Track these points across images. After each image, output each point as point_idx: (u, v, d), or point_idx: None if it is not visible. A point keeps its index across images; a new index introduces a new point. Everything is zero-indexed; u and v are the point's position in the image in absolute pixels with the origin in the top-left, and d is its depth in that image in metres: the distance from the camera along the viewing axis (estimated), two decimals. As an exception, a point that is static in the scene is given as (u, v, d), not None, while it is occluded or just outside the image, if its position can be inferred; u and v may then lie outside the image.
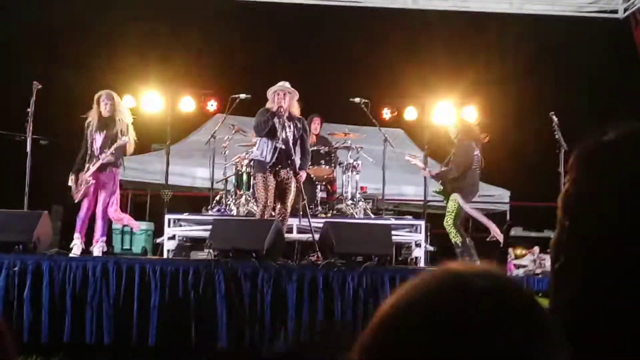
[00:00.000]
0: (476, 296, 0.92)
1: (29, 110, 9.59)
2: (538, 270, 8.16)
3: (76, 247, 8.98)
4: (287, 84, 9.10)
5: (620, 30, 12.99)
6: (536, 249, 9.24)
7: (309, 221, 9.12)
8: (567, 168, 1.31)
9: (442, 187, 9.78)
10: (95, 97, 9.17)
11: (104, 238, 9.22)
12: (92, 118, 9.14)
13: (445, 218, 9.56)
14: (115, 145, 8.99)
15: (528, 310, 0.94)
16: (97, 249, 9.01)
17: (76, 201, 9.14)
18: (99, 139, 9.08)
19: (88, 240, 9.21)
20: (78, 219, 9.11)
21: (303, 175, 9.19)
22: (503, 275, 0.97)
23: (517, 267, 9.16)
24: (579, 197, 1.26)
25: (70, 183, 9.09)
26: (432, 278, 0.96)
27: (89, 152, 9.09)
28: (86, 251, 9.11)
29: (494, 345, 0.89)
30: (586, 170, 1.27)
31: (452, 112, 12.02)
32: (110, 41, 13.39)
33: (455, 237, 9.36)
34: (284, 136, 8.90)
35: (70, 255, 8.60)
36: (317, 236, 8.79)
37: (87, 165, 9.05)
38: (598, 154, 1.27)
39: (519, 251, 9.21)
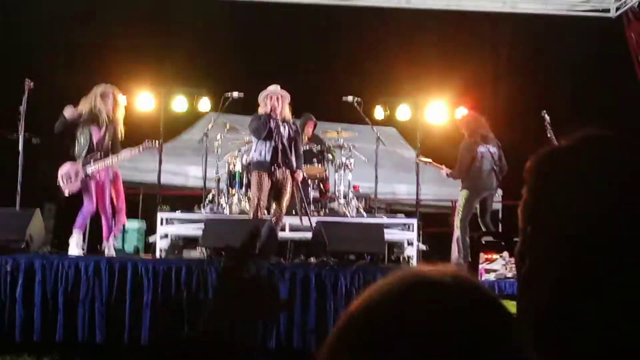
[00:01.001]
0: (437, 293, 0.95)
1: (21, 108, 9.56)
2: (509, 274, 8.19)
3: (76, 244, 8.86)
4: (278, 88, 9.24)
5: (612, 29, 13.01)
6: (506, 253, 9.31)
7: (310, 220, 9.18)
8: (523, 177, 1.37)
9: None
10: (100, 91, 9.00)
11: (113, 235, 9.16)
12: (86, 109, 8.97)
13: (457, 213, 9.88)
14: (135, 151, 9.09)
15: (490, 304, 0.97)
16: (110, 247, 8.94)
17: (67, 194, 9.00)
18: (97, 134, 8.99)
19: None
20: (80, 216, 9.00)
21: (300, 174, 9.40)
22: (463, 274, 0.99)
23: (488, 271, 9.22)
24: (537, 204, 1.31)
25: (61, 173, 8.89)
26: (396, 279, 0.99)
27: (85, 145, 8.95)
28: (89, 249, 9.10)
29: (458, 338, 0.91)
30: (539, 177, 1.32)
31: (444, 110, 12.07)
32: (103, 40, 13.35)
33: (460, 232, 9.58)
34: (280, 136, 9.04)
35: (69, 253, 8.57)
36: (309, 235, 8.83)
37: (83, 158, 8.92)
38: (550, 160, 1.32)
39: (489, 255, 9.31)
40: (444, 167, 10.05)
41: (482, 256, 8.05)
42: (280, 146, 9.05)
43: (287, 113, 9.35)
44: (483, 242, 8.61)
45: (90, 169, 8.89)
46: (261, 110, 9.23)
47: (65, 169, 8.91)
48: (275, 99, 9.15)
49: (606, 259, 1.21)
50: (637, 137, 1.29)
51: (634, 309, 1.19)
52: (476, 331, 0.92)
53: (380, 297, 0.97)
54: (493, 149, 9.81)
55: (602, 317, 1.20)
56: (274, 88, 9.28)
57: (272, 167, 9.06)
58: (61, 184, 8.92)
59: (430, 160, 10.28)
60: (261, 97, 9.26)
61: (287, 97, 9.29)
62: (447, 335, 0.91)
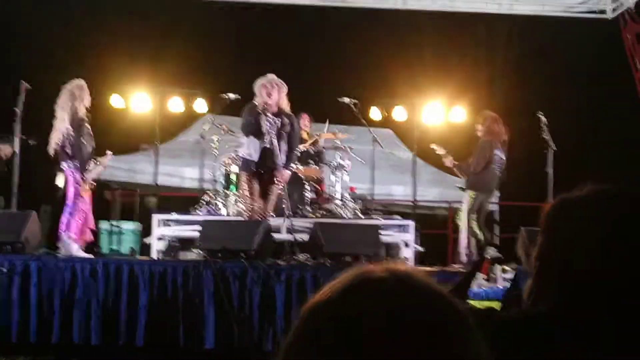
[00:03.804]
0: (374, 287, 1.02)
1: (17, 110, 9.54)
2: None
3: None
4: (274, 76, 8.95)
5: (609, 30, 13.03)
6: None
7: (291, 222, 9.09)
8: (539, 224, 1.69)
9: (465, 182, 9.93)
10: (84, 85, 8.85)
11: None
12: (82, 110, 8.78)
13: (461, 211, 9.85)
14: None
15: (430, 297, 1.03)
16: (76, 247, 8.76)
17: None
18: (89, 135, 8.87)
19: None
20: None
21: (286, 173, 8.97)
22: (407, 269, 1.06)
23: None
24: (547, 244, 1.62)
25: (92, 175, 8.73)
26: (344, 277, 1.06)
27: (89, 147, 8.80)
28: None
29: (393, 333, 0.97)
30: (550, 224, 1.64)
31: (440, 112, 12.10)
32: (99, 41, 13.36)
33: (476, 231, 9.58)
34: (270, 136, 8.79)
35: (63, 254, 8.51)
36: (305, 236, 8.79)
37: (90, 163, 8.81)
38: (560, 211, 1.64)
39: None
40: (451, 158, 10.02)
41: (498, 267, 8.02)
42: (270, 146, 8.81)
43: (284, 104, 9.01)
44: (487, 256, 8.66)
45: (91, 175, 8.77)
46: (257, 100, 8.95)
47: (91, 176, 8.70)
48: (270, 89, 8.78)
49: (598, 288, 1.51)
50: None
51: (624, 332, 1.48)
52: (408, 319, 0.98)
53: (326, 295, 1.04)
54: (503, 157, 9.85)
55: (593, 330, 1.48)
56: (270, 76, 8.97)
57: (260, 169, 8.83)
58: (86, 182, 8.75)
59: (444, 151, 10.28)
60: (256, 85, 8.89)
61: (284, 86, 8.92)
62: (378, 326, 0.98)
